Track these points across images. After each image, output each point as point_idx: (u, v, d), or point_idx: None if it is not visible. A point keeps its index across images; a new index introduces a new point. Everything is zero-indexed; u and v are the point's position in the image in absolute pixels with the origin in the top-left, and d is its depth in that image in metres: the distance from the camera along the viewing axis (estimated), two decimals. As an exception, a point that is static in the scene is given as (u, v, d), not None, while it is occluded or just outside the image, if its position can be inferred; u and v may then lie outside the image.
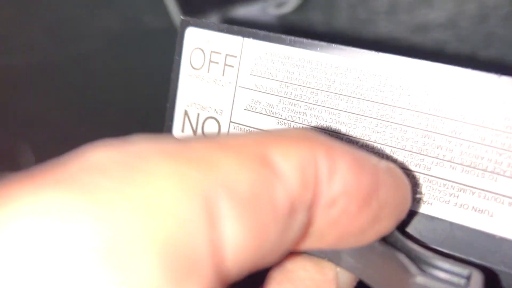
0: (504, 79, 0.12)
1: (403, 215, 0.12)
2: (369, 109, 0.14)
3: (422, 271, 0.12)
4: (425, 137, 0.13)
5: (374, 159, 0.12)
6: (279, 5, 0.36)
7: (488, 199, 0.13)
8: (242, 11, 0.36)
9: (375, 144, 0.14)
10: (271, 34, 0.15)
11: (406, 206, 0.12)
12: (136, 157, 0.09)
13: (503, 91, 0.12)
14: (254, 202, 0.09)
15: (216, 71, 0.16)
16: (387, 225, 0.12)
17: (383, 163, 0.12)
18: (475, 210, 0.13)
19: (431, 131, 0.13)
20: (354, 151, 0.11)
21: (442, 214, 0.13)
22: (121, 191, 0.08)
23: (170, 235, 0.08)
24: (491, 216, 0.13)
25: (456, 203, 0.13)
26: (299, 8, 0.34)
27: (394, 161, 0.14)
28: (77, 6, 0.39)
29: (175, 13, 0.38)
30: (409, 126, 0.13)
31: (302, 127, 0.15)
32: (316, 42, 0.14)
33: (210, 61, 0.16)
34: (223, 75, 0.16)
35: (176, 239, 0.08)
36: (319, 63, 0.14)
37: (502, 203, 0.13)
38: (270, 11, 0.36)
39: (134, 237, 0.08)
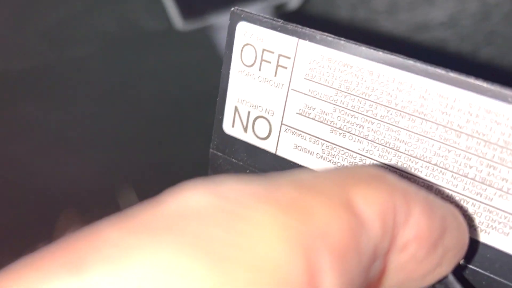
0: None
1: (460, 259, 0.12)
2: (433, 131, 0.13)
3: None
4: (490, 167, 0.13)
5: (441, 203, 0.11)
6: (279, 5, 0.34)
7: (551, 236, 0.12)
8: None
9: (436, 167, 0.13)
10: (329, 38, 0.14)
11: (465, 250, 0.12)
12: (234, 203, 0.09)
13: None
14: (346, 251, 0.09)
15: (268, 70, 0.15)
16: (446, 269, 0.12)
17: (449, 207, 0.12)
18: (536, 246, 0.12)
19: (497, 163, 0.12)
20: (425, 195, 0.11)
21: (500, 244, 0.13)
22: (230, 243, 0.08)
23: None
24: (552, 252, 0.12)
25: (516, 237, 0.13)
26: (300, 9, 0.33)
27: (455, 186, 0.13)
28: (73, 9, 0.38)
29: (174, 15, 0.36)
30: (474, 154, 0.13)
31: (359, 140, 0.14)
32: (379, 52, 0.13)
33: (262, 59, 0.15)
34: (275, 75, 0.15)
35: None
36: (381, 75, 0.13)
37: None
38: (270, 12, 0.34)
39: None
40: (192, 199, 0.09)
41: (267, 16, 0.15)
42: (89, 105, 0.40)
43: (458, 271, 0.13)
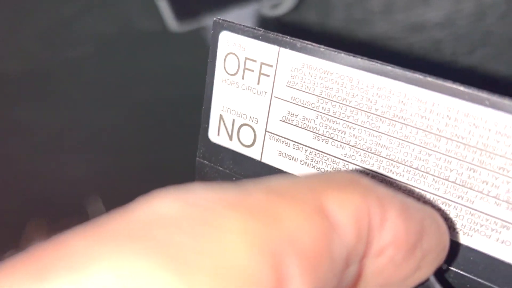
0: None
1: (441, 262, 0.12)
2: (413, 135, 0.13)
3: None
4: (470, 170, 0.13)
5: (419, 206, 0.11)
6: (274, 6, 0.34)
7: (532, 237, 0.12)
8: (236, 13, 0.34)
9: (417, 171, 0.13)
10: (309, 46, 0.14)
11: (445, 253, 0.12)
12: (203, 210, 0.09)
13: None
14: (316, 256, 0.09)
15: (251, 79, 0.15)
16: (427, 272, 0.12)
17: (427, 210, 0.12)
18: (518, 248, 0.12)
19: (477, 165, 0.13)
20: (402, 198, 0.11)
21: (482, 247, 0.13)
22: (195, 250, 0.08)
23: None
24: (534, 253, 0.12)
25: (497, 239, 0.13)
26: (294, 9, 0.33)
27: (436, 190, 0.13)
28: (69, 10, 0.38)
29: (168, 16, 0.36)
30: (454, 158, 0.13)
31: (341, 145, 0.14)
32: (357, 59, 0.13)
33: (245, 68, 0.15)
34: (258, 83, 0.15)
35: None
36: (360, 81, 0.14)
37: (547, 242, 0.12)
38: (265, 13, 0.35)
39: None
40: (161, 207, 0.09)
41: (249, 26, 0.15)
42: (84, 106, 0.40)
43: (442, 274, 0.13)
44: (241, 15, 0.35)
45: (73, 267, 0.08)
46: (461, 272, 0.13)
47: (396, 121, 0.13)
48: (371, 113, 0.14)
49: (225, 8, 0.35)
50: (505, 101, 0.12)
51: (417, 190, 0.13)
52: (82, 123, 0.40)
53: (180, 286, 0.08)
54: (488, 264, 0.13)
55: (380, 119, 0.13)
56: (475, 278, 0.13)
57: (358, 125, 0.14)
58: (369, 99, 0.14)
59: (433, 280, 0.12)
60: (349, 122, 0.14)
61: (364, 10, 0.31)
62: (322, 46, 0.14)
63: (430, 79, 0.13)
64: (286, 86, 0.15)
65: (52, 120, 0.40)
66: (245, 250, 0.08)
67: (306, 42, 0.14)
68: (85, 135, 0.40)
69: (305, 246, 0.09)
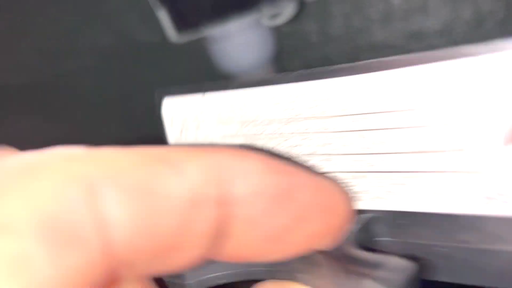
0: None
1: (339, 223, 0.12)
2: (307, 127, 0.14)
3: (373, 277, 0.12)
4: (361, 137, 0.13)
5: (290, 168, 0.12)
6: (274, 16, 0.35)
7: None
8: (235, 24, 0.35)
9: (320, 157, 0.14)
10: (220, 83, 0.16)
11: (347, 218, 0.12)
12: (36, 159, 0.10)
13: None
14: (143, 189, 0.10)
15: (192, 130, 0.18)
16: (317, 228, 0.12)
17: (309, 175, 0.12)
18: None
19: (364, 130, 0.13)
20: (268, 158, 0.12)
21: (406, 206, 0.13)
22: (8, 181, 0.09)
23: (48, 210, 0.09)
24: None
25: (409, 192, 0.13)
26: (293, 19, 0.34)
27: (344, 167, 0.14)
28: (69, 23, 0.39)
29: (168, 28, 0.37)
30: (342, 131, 0.13)
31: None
32: (253, 79, 0.15)
33: (185, 122, 0.18)
34: (198, 129, 0.17)
35: (53, 212, 0.09)
36: (262, 97, 0.15)
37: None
38: (264, 23, 0.36)
39: (17, 214, 0.09)
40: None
41: (180, 87, 0.18)
42: (83, 118, 0.40)
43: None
44: (241, 25, 0.35)
45: None
46: (404, 240, 0.13)
47: (293, 120, 0.14)
48: (275, 122, 0.15)
49: (225, 19, 0.35)
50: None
51: (331, 174, 0.14)
52: (81, 135, 0.40)
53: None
54: (412, 221, 0.13)
55: (283, 122, 0.15)
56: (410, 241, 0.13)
57: (270, 134, 0.15)
58: (268, 111, 0.15)
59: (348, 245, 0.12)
60: (266, 134, 0.15)
61: (363, 19, 0.32)
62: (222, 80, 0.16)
63: (277, 76, 0.14)
64: (218, 123, 0.17)
65: (50, 131, 0.40)
66: (56, 178, 0.09)
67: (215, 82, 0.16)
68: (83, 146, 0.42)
69: (127, 178, 0.10)
